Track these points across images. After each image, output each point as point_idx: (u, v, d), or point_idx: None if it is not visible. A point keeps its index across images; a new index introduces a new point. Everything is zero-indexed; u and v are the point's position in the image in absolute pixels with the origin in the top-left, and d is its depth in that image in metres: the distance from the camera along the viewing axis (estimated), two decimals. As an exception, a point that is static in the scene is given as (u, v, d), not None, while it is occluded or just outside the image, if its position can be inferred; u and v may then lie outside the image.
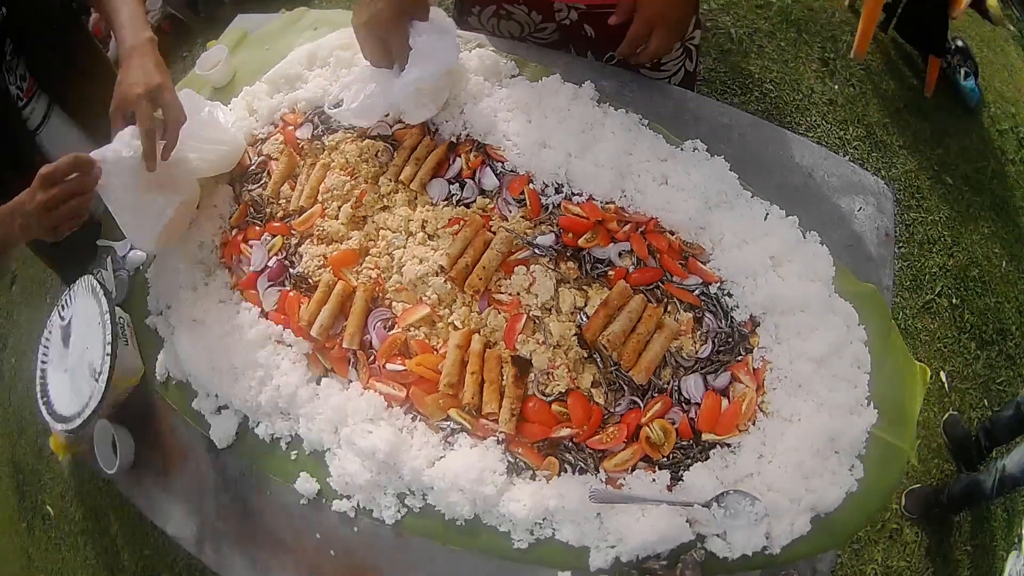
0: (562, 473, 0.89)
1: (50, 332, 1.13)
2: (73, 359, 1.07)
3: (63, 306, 1.12)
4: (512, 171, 1.05)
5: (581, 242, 0.96)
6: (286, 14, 1.42)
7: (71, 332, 1.10)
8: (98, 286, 1.08)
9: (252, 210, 1.15)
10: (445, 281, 0.96)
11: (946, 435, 1.97)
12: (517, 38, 1.28)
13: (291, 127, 1.19)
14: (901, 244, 2.16)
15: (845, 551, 1.80)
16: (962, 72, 2.35)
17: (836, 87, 2.44)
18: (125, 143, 0.96)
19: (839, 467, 0.86)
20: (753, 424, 0.88)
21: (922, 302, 2.11)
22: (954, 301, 2.12)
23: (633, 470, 0.87)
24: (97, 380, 1.02)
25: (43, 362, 1.11)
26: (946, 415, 1.98)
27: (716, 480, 0.85)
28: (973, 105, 2.36)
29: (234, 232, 1.14)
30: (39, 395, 1.09)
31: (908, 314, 2.08)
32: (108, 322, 1.03)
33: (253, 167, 1.18)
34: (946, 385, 2.02)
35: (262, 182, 1.16)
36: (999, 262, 2.18)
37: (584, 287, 0.96)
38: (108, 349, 1.01)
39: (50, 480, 2.50)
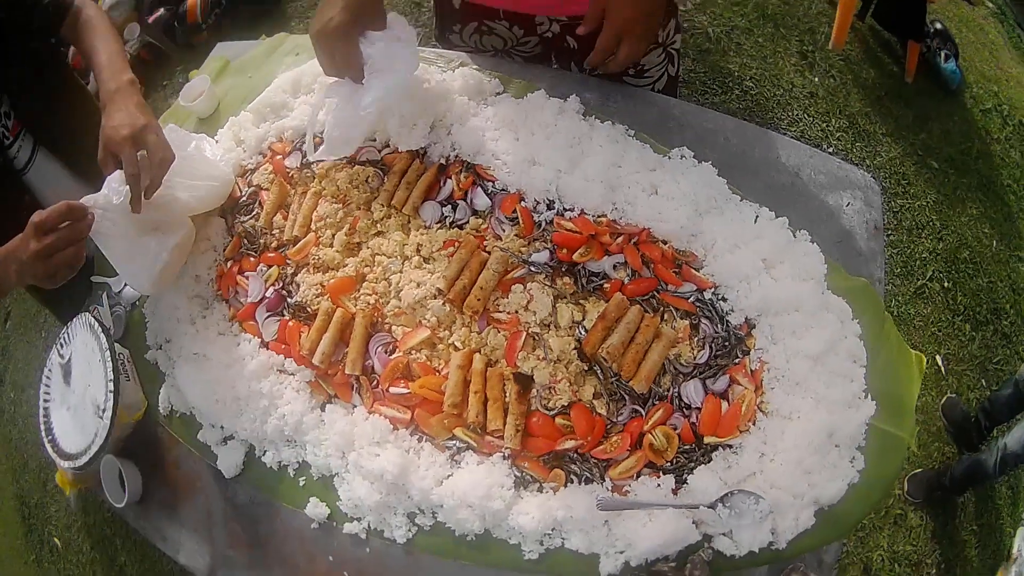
0: (568, 484, 0.90)
1: (50, 370, 1.13)
2: (76, 396, 1.07)
3: (62, 344, 1.12)
4: (503, 190, 1.05)
5: (575, 257, 0.97)
6: (266, 40, 1.42)
7: (72, 369, 1.09)
8: (96, 323, 1.08)
9: (246, 241, 1.15)
10: (444, 303, 0.97)
11: (945, 418, 1.98)
12: (500, 51, 1.28)
13: (279, 156, 1.19)
14: (890, 232, 2.17)
15: (851, 539, 1.82)
16: (942, 55, 2.37)
17: (816, 79, 2.45)
18: (114, 190, 0.97)
19: (840, 460, 0.88)
20: (753, 424, 0.90)
21: (914, 288, 2.13)
22: (946, 284, 2.14)
23: (638, 477, 0.89)
24: (101, 417, 1.02)
25: (45, 401, 1.11)
26: (944, 398, 2.00)
27: (720, 481, 0.87)
28: (955, 87, 2.38)
29: (229, 264, 1.14)
30: (44, 434, 1.09)
31: (901, 301, 2.10)
32: (109, 359, 1.03)
33: (244, 198, 1.18)
34: (942, 369, 2.04)
35: (254, 213, 1.16)
36: (989, 242, 2.20)
37: (581, 301, 0.97)
38: (111, 386, 1.01)
39: (56, 512, 2.50)
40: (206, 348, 1.08)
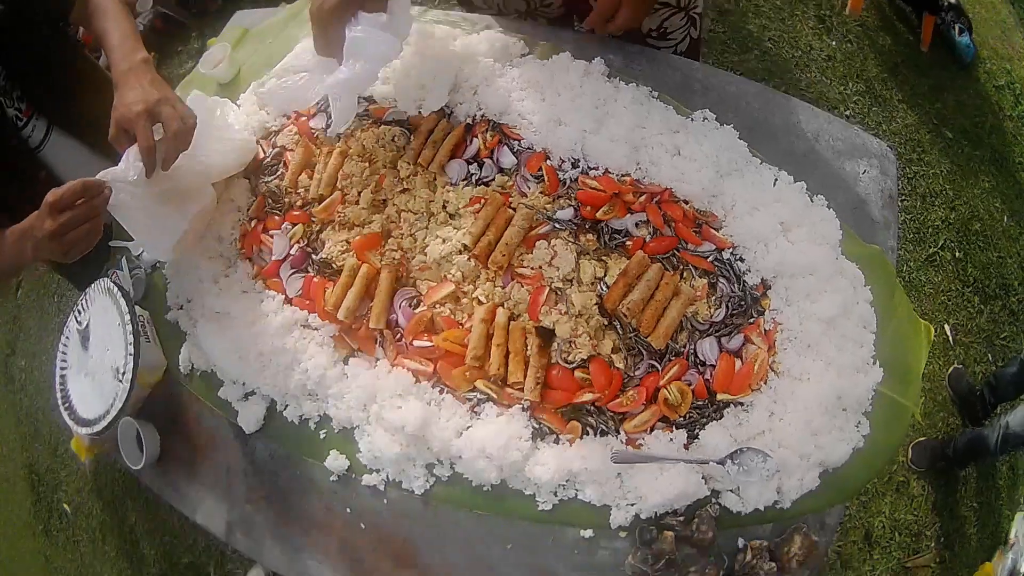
0: (584, 436, 0.92)
1: (67, 338, 1.13)
2: (94, 362, 1.08)
3: (80, 311, 1.12)
4: (529, 148, 1.06)
5: (599, 215, 0.98)
6: (287, 7, 1.41)
7: (90, 335, 1.10)
8: (115, 287, 1.08)
9: (270, 201, 1.15)
10: (469, 259, 0.98)
11: (951, 389, 2.00)
12: (524, 13, 1.28)
13: (304, 118, 1.19)
14: (904, 197, 2.18)
15: (853, 503, 1.85)
16: (956, 28, 2.35)
17: (834, 43, 2.45)
18: (131, 164, 0.95)
19: (846, 424, 0.90)
20: (765, 383, 0.91)
21: (926, 255, 2.14)
22: (957, 255, 2.15)
23: (652, 431, 0.91)
24: (121, 380, 1.02)
25: (62, 368, 1.11)
26: (951, 368, 2.01)
27: (730, 438, 0.89)
28: (968, 61, 2.36)
29: (253, 223, 1.15)
30: (60, 402, 1.09)
31: (912, 267, 2.11)
32: (129, 321, 1.03)
33: (268, 159, 1.18)
34: (951, 338, 2.06)
35: (279, 173, 1.16)
36: (1000, 217, 2.20)
37: (603, 258, 0.98)
38: (131, 349, 1.01)
39: (66, 477, 2.54)
40: (229, 306, 1.09)
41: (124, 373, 1.02)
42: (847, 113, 2.30)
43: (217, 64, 1.32)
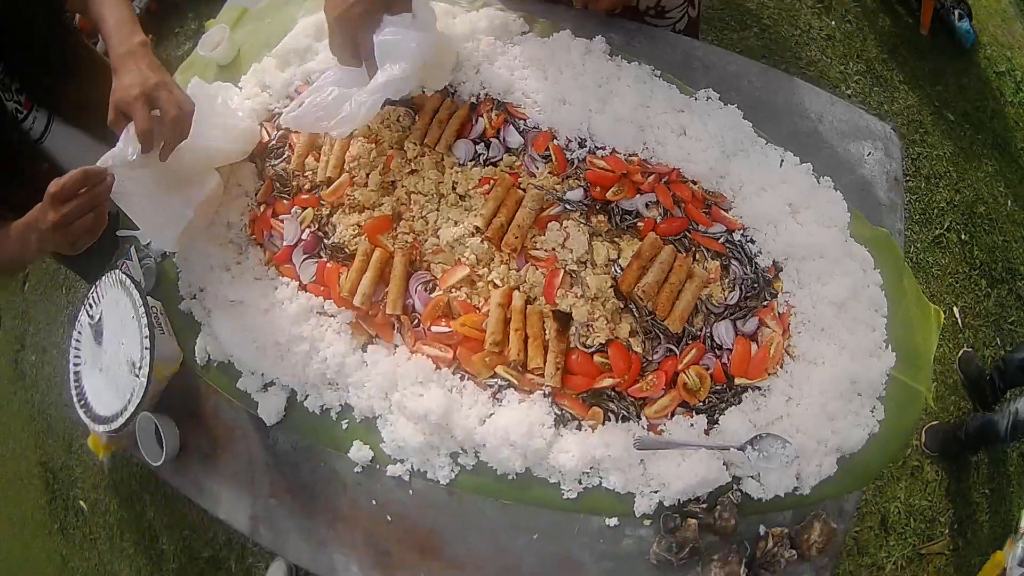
0: (606, 422, 0.92)
1: (79, 332, 1.11)
2: (108, 356, 1.06)
3: (91, 304, 1.10)
4: (535, 127, 1.05)
5: (609, 195, 0.98)
6: None
7: (103, 329, 1.08)
8: (126, 279, 1.06)
9: (278, 184, 1.14)
10: (482, 241, 0.98)
11: (961, 372, 2.00)
12: None
13: None
14: (908, 178, 2.17)
15: (869, 488, 1.86)
16: (956, 14, 2.34)
17: (833, 23, 2.44)
18: (131, 140, 0.94)
19: (861, 408, 0.90)
20: (781, 367, 0.92)
21: (932, 236, 2.14)
22: (963, 237, 2.15)
23: (672, 416, 0.91)
24: (138, 375, 1.01)
25: (76, 364, 1.10)
26: (960, 352, 2.01)
27: (749, 423, 0.89)
28: (968, 46, 2.36)
29: (262, 208, 1.14)
30: (76, 399, 1.07)
31: (919, 248, 2.11)
32: (143, 314, 1.01)
33: (273, 142, 1.17)
34: (959, 321, 2.06)
35: (285, 156, 1.16)
36: (1004, 201, 2.20)
37: (615, 239, 0.98)
38: (147, 342, 1.00)
39: (82, 474, 2.53)
40: (243, 294, 1.09)
41: (141, 368, 1.00)
42: (848, 92, 2.30)
43: (216, 46, 1.31)
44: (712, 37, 2.40)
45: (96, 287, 1.11)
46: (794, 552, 0.85)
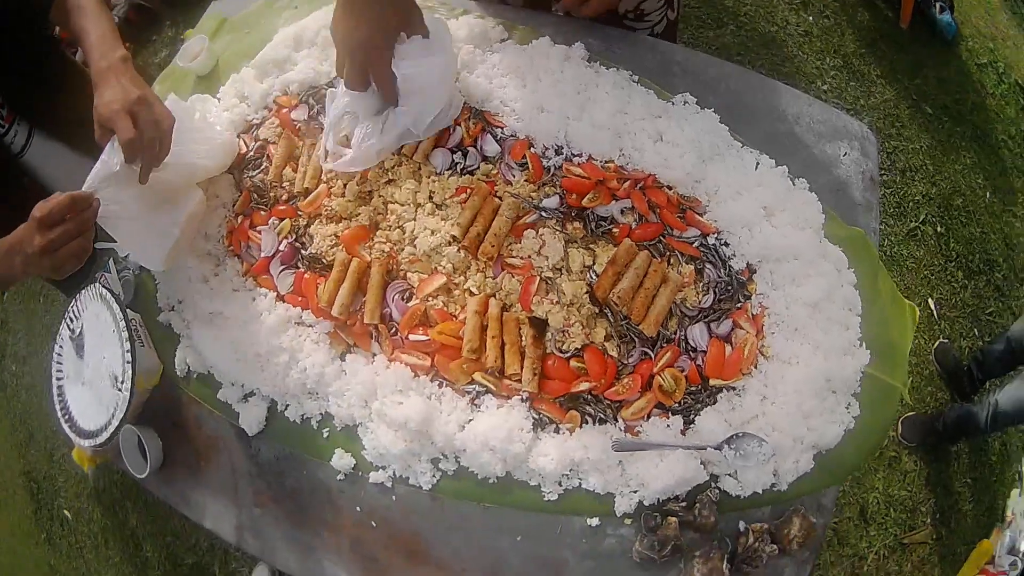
0: (584, 425, 0.94)
1: (60, 346, 1.11)
2: (90, 370, 1.06)
3: (71, 318, 1.10)
4: (512, 136, 1.06)
5: (584, 202, 0.99)
6: None
7: (84, 343, 1.08)
8: (106, 292, 1.06)
9: (255, 196, 1.14)
10: (459, 250, 0.98)
11: (938, 363, 2.03)
12: None
13: (286, 109, 1.18)
14: (884, 172, 2.20)
15: (847, 480, 1.87)
16: (937, 6, 2.36)
17: (811, 19, 2.46)
18: (113, 151, 0.94)
19: (836, 406, 0.93)
20: (755, 368, 0.94)
21: (907, 229, 2.16)
22: (939, 229, 2.17)
23: (648, 418, 0.93)
24: (120, 389, 1.01)
25: (58, 378, 1.10)
26: (936, 343, 2.04)
27: (725, 423, 0.91)
28: (950, 38, 2.38)
29: (240, 219, 1.14)
30: (59, 413, 1.07)
31: (894, 240, 2.14)
32: (124, 327, 1.01)
33: (251, 153, 1.17)
34: (935, 312, 2.09)
35: (263, 167, 1.15)
36: (983, 193, 2.22)
37: (591, 245, 0.99)
38: (128, 356, 1.00)
39: (64, 483, 2.52)
40: (222, 306, 1.09)
41: (123, 381, 1.00)
42: (824, 88, 2.32)
43: (195, 57, 1.31)
44: (688, 35, 2.40)
45: (76, 300, 1.10)
46: (775, 547, 0.87)
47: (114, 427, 1.00)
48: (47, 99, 1.27)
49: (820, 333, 0.93)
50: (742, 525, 0.90)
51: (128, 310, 1.08)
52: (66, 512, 2.49)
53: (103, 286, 1.09)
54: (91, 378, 1.06)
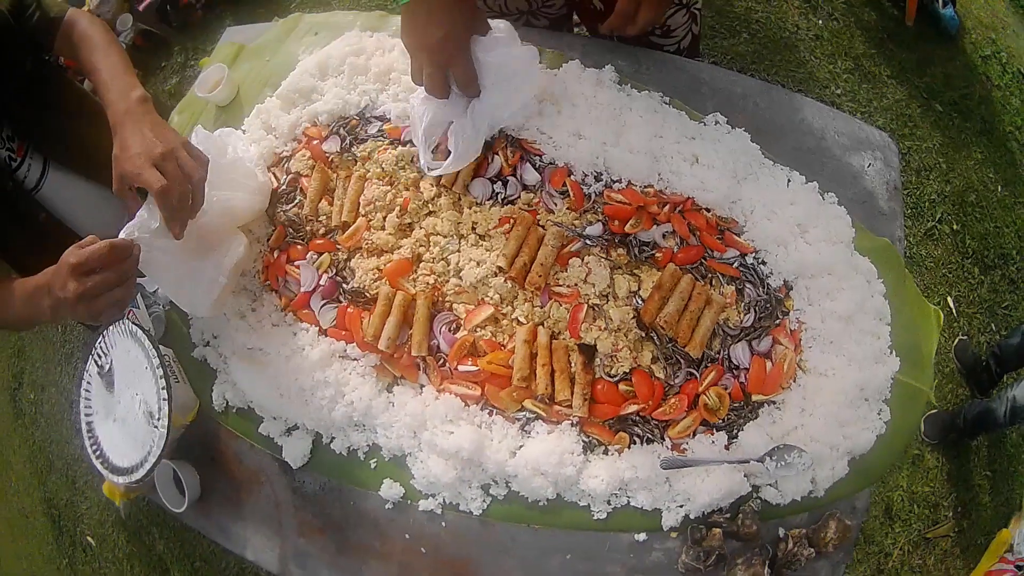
0: (632, 445, 0.95)
1: (88, 383, 1.09)
2: (123, 408, 1.05)
3: (100, 354, 1.08)
4: (551, 163, 1.06)
5: (627, 228, 1.00)
6: (280, 22, 1.37)
7: (114, 379, 1.06)
8: (137, 329, 1.04)
9: (291, 230, 1.14)
10: (505, 280, 0.99)
11: (957, 360, 2.04)
12: (525, 13, 1.27)
13: (316, 141, 1.16)
14: (901, 173, 2.19)
15: (878, 481, 1.89)
16: (939, 1, 2.37)
17: (820, 22, 2.46)
18: (151, 210, 0.90)
19: (869, 412, 0.95)
20: (794, 381, 0.96)
21: (924, 229, 2.17)
22: (955, 227, 2.18)
23: (694, 435, 0.94)
24: (156, 425, 0.99)
25: (87, 415, 1.08)
26: (956, 340, 2.05)
27: (766, 436, 0.93)
28: (953, 32, 2.38)
29: (275, 254, 1.13)
30: (91, 451, 1.06)
31: (912, 241, 2.15)
32: (158, 364, 1.00)
33: (283, 186, 1.16)
34: (954, 310, 2.10)
35: (296, 201, 1.14)
36: (994, 187, 2.23)
37: (635, 271, 1.00)
38: (164, 393, 0.98)
39: (87, 510, 2.51)
40: (261, 341, 1.09)
41: (159, 418, 0.99)
42: (838, 92, 2.32)
43: (215, 87, 1.28)
44: (704, 46, 2.40)
45: (103, 336, 1.08)
46: (812, 550, 0.90)
47: (150, 465, 0.99)
48: (61, 132, 1.24)
49: (853, 344, 0.96)
50: (781, 531, 0.93)
51: (160, 346, 1.07)
52: (89, 538, 2.48)
53: (132, 322, 1.07)
54: (123, 415, 1.05)
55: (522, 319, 0.98)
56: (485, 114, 0.99)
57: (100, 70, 1.03)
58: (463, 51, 0.93)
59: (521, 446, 0.96)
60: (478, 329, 0.99)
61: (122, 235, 0.90)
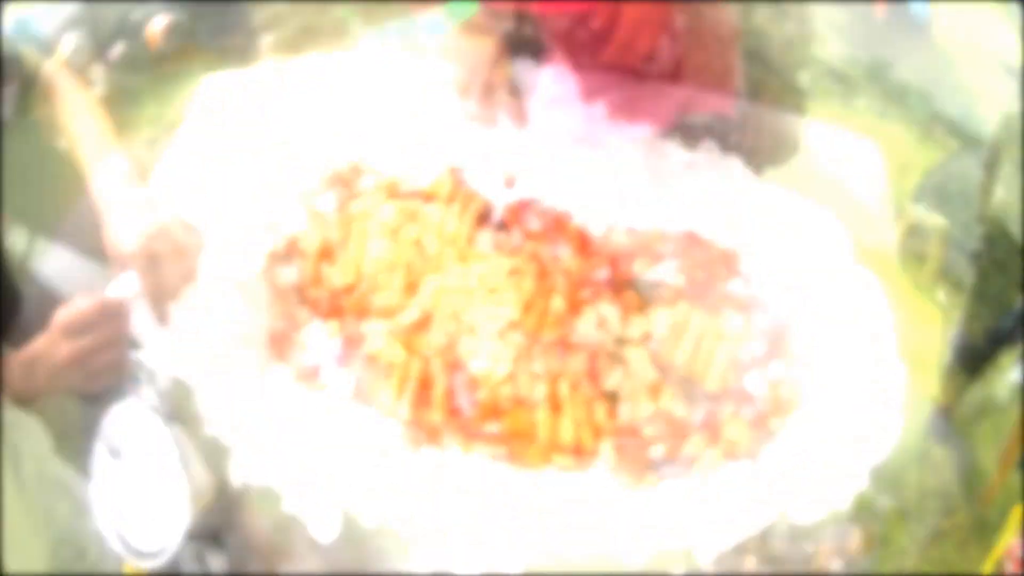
0: (659, 485, 0.94)
1: (97, 467, 1.03)
2: (136, 491, 1.01)
3: (107, 437, 1.02)
4: (550, 209, 1.07)
5: (634, 269, 1.02)
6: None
7: (123, 463, 1.02)
8: (144, 409, 1.00)
9: (292, 298, 1.10)
10: (520, 335, 0.99)
11: (953, 351, 2.06)
12: None
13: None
14: (885, 173, 2.24)
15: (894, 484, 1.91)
16: (915, -4, 2.43)
17: (790, 25, 2.50)
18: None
19: (883, 422, 0.95)
20: (806, 400, 0.97)
21: (907, 223, 2.19)
22: (939, 219, 2.21)
23: (718, 467, 0.93)
24: (173, 509, 0.96)
25: (100, 498, 1.02)
26: (951, 332, 2.07)
27: (789, 458, 0.93)
28: (922, 23, 2.44)
29: (280, 324, 1.10)
30: (108, 534, 1.01)
31: (901, 239, 2.15)
32: (172, 447, 0.97)
33: (280, 249, 1.12)
34: (945, 303, 2.12)
35: (294, 263, 1.11)
36: (973, 173, 2.27)
37: (646, 311, 1.01)
38: (178, 476, 0.95)
39: (100, 583, 2.45)
40: (275, 414, 1.05)
41: (175, 503, 0.96)
42: (815, 101, 2.36)
43: None
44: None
45: (110, 418, 1.02)
46: (841, 562, 0.93)
47: (170, 551, 0.96)
48: (43, 200, 1.19)
49: (862, 357, 0.97)
50: (810, 548, 0.93)
51: (172, 426, 1.02)
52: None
53: (139, 400, 1.02)
54: (138, 498, 1.01)
55: (540, 372, 0.98)
56: None
57: (79, 137, 1.05)
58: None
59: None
60: (498, 387, 0.99)
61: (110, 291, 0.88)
